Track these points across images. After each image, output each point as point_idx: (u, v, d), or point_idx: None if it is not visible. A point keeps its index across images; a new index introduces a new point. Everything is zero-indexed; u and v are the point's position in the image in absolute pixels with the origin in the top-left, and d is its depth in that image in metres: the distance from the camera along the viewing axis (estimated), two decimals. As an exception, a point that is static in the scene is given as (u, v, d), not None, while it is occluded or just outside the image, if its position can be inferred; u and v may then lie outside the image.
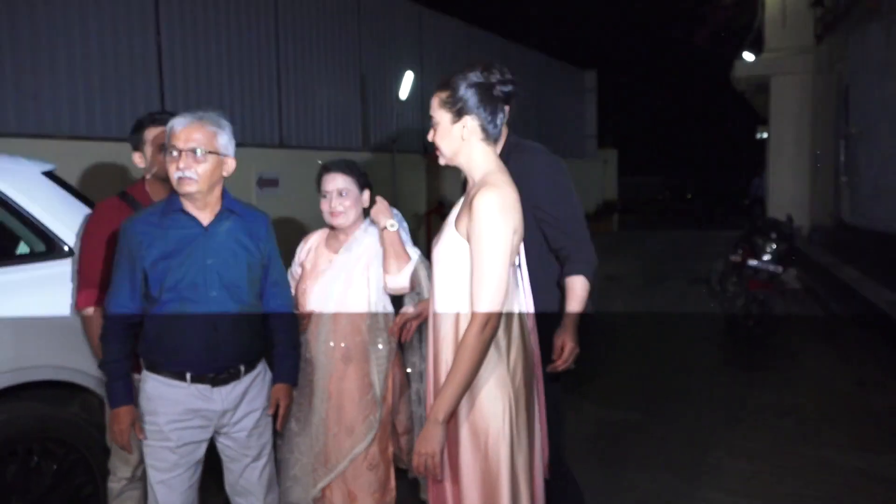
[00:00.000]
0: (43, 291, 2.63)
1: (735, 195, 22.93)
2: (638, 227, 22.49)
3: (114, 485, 2.67)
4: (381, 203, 2.57)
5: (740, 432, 4.34)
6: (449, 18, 13.99)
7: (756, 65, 13.75)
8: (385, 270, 2.58)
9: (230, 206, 2.31)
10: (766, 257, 6.69)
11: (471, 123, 2.00)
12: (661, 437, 4.29)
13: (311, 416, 2.63)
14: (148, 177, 2.66)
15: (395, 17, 12.28)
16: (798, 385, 5.33)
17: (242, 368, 2.33)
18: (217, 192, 2.27)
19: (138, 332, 2.29)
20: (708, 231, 19.02)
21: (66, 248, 2.75)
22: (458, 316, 1.96)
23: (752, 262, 6.69)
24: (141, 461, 2.60)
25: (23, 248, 2.87)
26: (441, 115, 2.01)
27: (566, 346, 2.34)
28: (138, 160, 2.63)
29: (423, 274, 2.58)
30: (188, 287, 2.21)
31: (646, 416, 4.69)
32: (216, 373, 2.27)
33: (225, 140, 2.24)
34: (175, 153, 2.16)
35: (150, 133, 2.60)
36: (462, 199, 2.10)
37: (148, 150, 2.60)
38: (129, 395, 2.26)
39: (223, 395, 2.30)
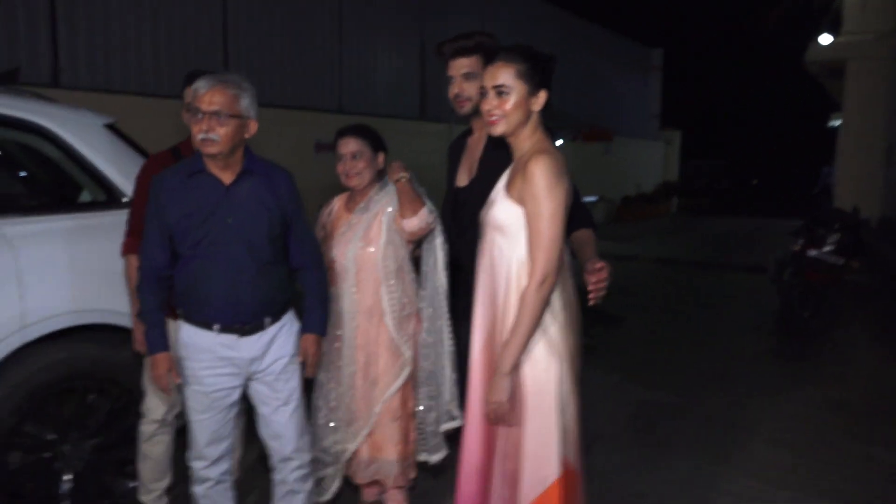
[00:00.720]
0: (101, 239, 2.74)
1: (802, 183, 22.13)
2: (698, 211, 21.95)
3: (146, 427, 2.79)
4: (395, 163, 2.63)
5: (784, 423, 4.24)
6: (514, -9, 13.79)
7: (832, 48, 13.13)
8: (400, 216, 2.62)
9: (251, 166, 2.35)
10: (828, 248, 6.46)
11: (542, 97, 2.08)
12: (701, 423, 4.24)
13: (341, 368, 2.74)
14: None
15: (459, -12, 12.18)
16: (849, 380, 5.17)
17: (267, 320, 2.42)
18: (239, 153, 2.33)
19: (171, 282, 2.39)
20: (771, 219, 18.42)
21: (124, 199, 2.86)
22: (511, 280, 2.07)
23: (812, 253, 6.48)
24: (173, 405, 2.75)
25: (84, 197, 3.00)
26: (518, 86, 2.04)
27: (600, 264, 2.28)
28: (185, 116, 2.68)
29: (436, 219, 2.64)
30: (210, 244, 2.30)
31: (688, 400, 4.63)
32: (241, 324, 2.36)
33: (247, 103, 2.29)
34: (199, 115, 2.22)
35: (187, 93, 2.61)
36: (511, 167, 2.15)
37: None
38: (164, 341, 2.37)
39: (250, 344, 2.39)
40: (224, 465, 2.52)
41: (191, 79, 2.57)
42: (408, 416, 2.76)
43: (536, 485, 2.05)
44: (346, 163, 2.70)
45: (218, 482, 2.51)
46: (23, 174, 3.32)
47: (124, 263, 2.68)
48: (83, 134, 2.83)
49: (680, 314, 7.44)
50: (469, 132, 2.63)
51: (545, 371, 2.06)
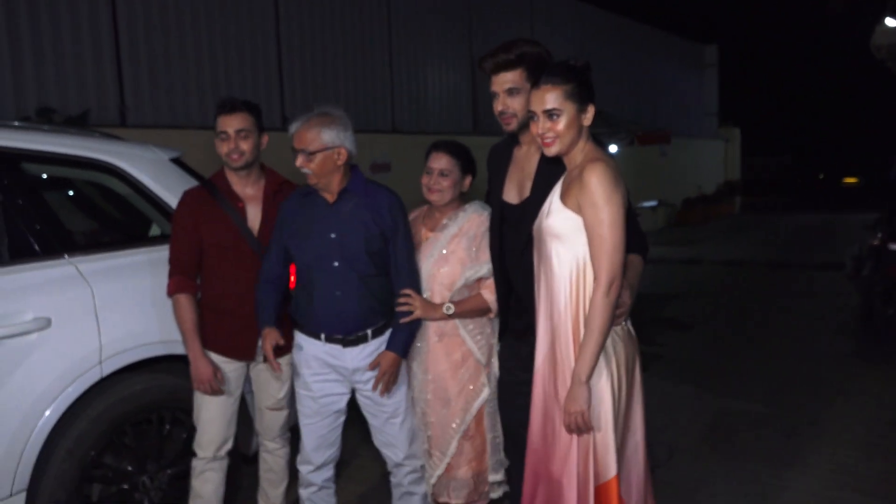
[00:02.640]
0: (171, 271, 2.78)
1: (874, 175, 21.19)
2: (763, 209, 21.25)
3: (196, 462, 2.77)
4: (419, 303, 2.59)
5: (877, 430, 4.02)
6: (561, -3, 13.70)
7: (900, 31, 12.56)
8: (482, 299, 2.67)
9: (353, 186, 2.57)
10: (910, 240, 6.12)
11: (591, 111, 2.11)
12: (785, 431, 4.05)
13: (413, 387, 2.74)
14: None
15: (506, -1, 12.16)
16: (945, 381, 4.87)
17: (370, 332, 2.57)
18: (338, 176, 2.53)
19: (287, 293, 2.68)
20: (841, 214, 17.67)
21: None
22: (572, 284, 2.11)
23: (894, 246, 6.14)
24: (225, 441, 2.77)
25: (154, 230, 3.08)
26: (568, 107, 2.07)
27: (626, 299, 2.23)
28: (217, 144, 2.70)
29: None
30: (316, 258, 2.54)
31: (769, 408, 4.43)
32: (345, 334, 2.56)
33: (331, 135, 2.49)
34: (295, 153, 2.50)
35: (217, 121, 2.64)
36: (564, 177, 2.18)
37: (215, 138, 2.66)
38: (272, 319, 2.60)
39: (353, 355, 2.57)
40: (328, 473, 2.74)
41: (222, 108, 2.63)
42: (483, 434, 2.72)
43: (597, 477, 2.11)
44: (433, 178, 2.69)
45: (321, 488, 2.74)
46: (96, 212, 3.44)
47: (172, 304, 2.67)
48: (151, 169, 2.91)
49: (751, 318, 7.17)
50: (514, 140, 2.50)
51: (596, 378, 2.09)
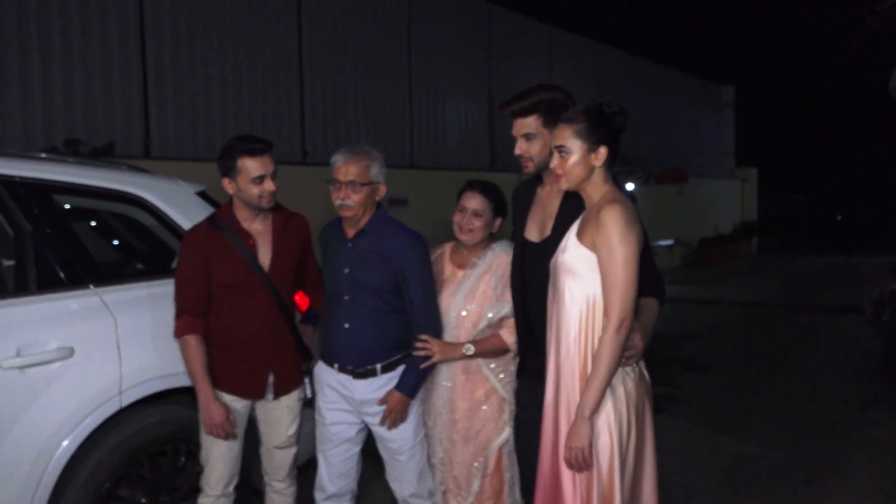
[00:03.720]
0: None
1: (891, 218, 21.01)
2: (780, 250, 21.09)
3: (204, 500, 2.73)
4: (437, 346, 2.60)
5: (899, 479, 3.94)
6: (580, 38, 13.85)
7: (918, 75, 12.57)
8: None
9: (373, 226, 2.63)
10: (931, 286, 6.05)
11: (602, 152, 2.17)
12: (806, 479, 3.97)
13: (436, 426, 2.73)
14: (236, 201, 2.68)
15: (525, 37, 12.33)
16: (970, 430, 4.77)
17: (379, 367, 2.61)
18: (371, 211, 2.63)
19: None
20: (860, 256, 17.50)
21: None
22: (583, 320, 2.16)
23: (914, 291, 6.08)
24: (231, 478, 2.74)
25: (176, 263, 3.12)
26: (575, 145, 2.17)
27: (638, 342, 2.24)
28: (228, 186, 2.63)
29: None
30: (332, 290, 2.67)
31: (788, 454, 4.35)
32: (354, 366, 2.62)
33: (376, 170, 2.59)
34: (337, 184, 2.56)
35: (245, 163, 2.56)
36: (582, 216, 2.24)
37: (241, 180, 2.58)
38: None
39: (362, 388, 2.63)
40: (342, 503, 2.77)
41: (252, 151, 2.56)
42: (501, 473, 2.70)
43: None
44: (466, 217, 2.70)
45: None
46: (121, 243, 3.49)
47: (180, 345, 2.62)
48: (177, 202, 2.96)
49: (770, 360, 7.07)
50: (538, 180, 2.57)
51: (604, 416, 2.12)
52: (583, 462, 2.09)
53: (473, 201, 2.69)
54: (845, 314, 9.20)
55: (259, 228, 2.69)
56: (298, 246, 2.77)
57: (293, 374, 2.75)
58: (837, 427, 4.86)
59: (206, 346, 2.62)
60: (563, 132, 2.18)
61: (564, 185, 2.22)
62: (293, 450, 2.83)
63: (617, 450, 2.12)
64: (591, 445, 2.09)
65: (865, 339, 7.09)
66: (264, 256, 2.67)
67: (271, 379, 2.70)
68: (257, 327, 2.64)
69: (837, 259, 17.55)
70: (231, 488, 2.76)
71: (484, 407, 2.66)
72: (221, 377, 2.65)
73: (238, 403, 2.71)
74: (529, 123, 2.41)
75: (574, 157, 2.17)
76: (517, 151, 2.47)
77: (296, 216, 2.81)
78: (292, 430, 2.79)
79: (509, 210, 2.77)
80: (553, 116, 2.36)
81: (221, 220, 2.67)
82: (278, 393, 2.74)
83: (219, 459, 2.69)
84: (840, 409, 5.28)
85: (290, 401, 2.76)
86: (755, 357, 7.25)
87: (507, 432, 2.67)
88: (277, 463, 2.83)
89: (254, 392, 2.71)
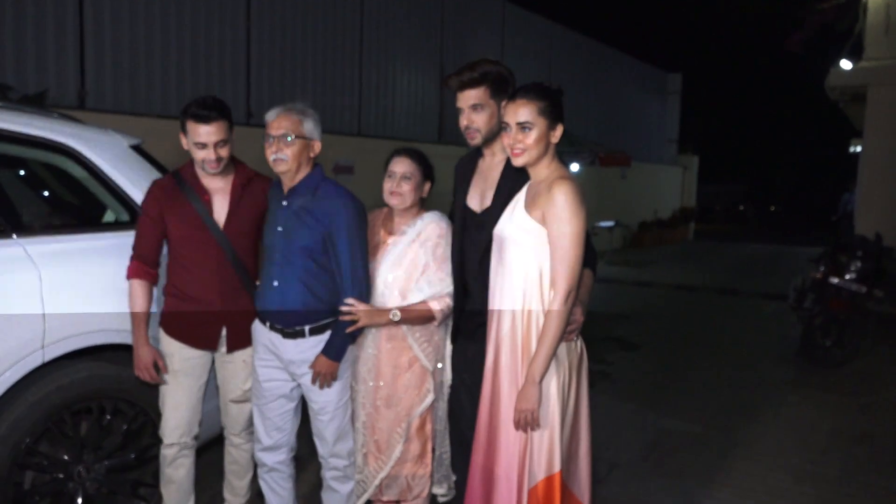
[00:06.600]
0: (123, 258, 2.70)
1: (823, 210, 21.92)
2: (715, 236, 21.79)
3: (166, 451, 2.79)
4: (363, 310, 2.59)
5: (808, 456, 4.16)
6: (532, 15, 13.87)
7: (853, 74, 13.03)
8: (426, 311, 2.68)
9: (307, 184, 2.60)
10: (850, 276, 6.36)
11: (559, 130, 2.27)
12: (722, 453, 4.16)
13: (360, 391, 2.75)
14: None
15: (478, 10, 12.28)
16: (875, 411, 5.07)
17: (307, 329, 2.61)
18: (306, 169, 2.60)
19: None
20: (789, 246, 18.23)
21: (147, 219, 2.87)
22: (527, 291, 2.24)
23: (834, 280, 6.38)
24: (190, 428, 2.79)
25: (108, 217, 3.03)
26: (539, 122, 2.24)
27: (578, 316, 2.35)
28: (182, 141, 2.68)
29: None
30: (267, 248, 2.66)
31: (708, 429, 4.56)
32: (283, 326, 2.62)
33: (310, 126, 2.57)
34: (270, 139, 2.54)
35: (190, 126, 2.60)
36: (527, 190, 2.32)
37: (188, 141, 2.64)
38: None
39: (290, 347, 2.63)
40: (280, 456, 2.79)
41: (198, 116, 2.57)
42: (424, 439, 2.75)
43: (540, 472, 2.25)
44: (395, 181, 2.71)
45: (272, 469, 2.80)
46: (49, 194, 3.36)
47: (128, 287, 2.67)
48: (109, 154, 2.87)
49: (698, 341, 7.35)
50: (478, 153, 2.62)
51: (548, 380, 2.24)
52: (531, 423, 2.20)
53: (401, 165, 2.71)
54: (771, 300, 9.60)
55: (217, 186, 2.73)
56: (259, 206, 2.76)
57: (249, 330, 2.76)
58: (754, 405, 5.10)
59: (165, 297, 2.72)
60: (525, 108, 2.23)
61: (521, 160, 2.26)
62: (249, 405, 2.87)
63: (559, 412, 2.24)
64: (539, 407, 2.20)
65: (788, 324, 7.42)
66: (220, 213, 2.71)
67: (224, 332, 2.75)
68: (208, 280, 2.68)
69: (769, 248, 18.24)
70: (189, 438, 2.81)
71: (407, 374, 2.69)
72: (175, 326, 2.73)
73: (192, 353, 2.75)
74: (478, 94, 2.46)
75: (536, 135, 2.23)
76: (464, 123, 2.50)
77: (259, 176, 2.82)
78: (248, 384, 2.83)
79: (439, 178, 2.80)
80: (499, 89, 2.45)
81: (182, 174, 2.72)
82: (232, 347, 2.78)
83: (172, 408, 2.76)
84: (758, 389, 5.53)
85: (246, 356, 2.80)
86: (683, 338, 7.51)
87: (429, 399, 2.71)
88: (234, 417, 2.91)
89: (205, 343, 2.76)
